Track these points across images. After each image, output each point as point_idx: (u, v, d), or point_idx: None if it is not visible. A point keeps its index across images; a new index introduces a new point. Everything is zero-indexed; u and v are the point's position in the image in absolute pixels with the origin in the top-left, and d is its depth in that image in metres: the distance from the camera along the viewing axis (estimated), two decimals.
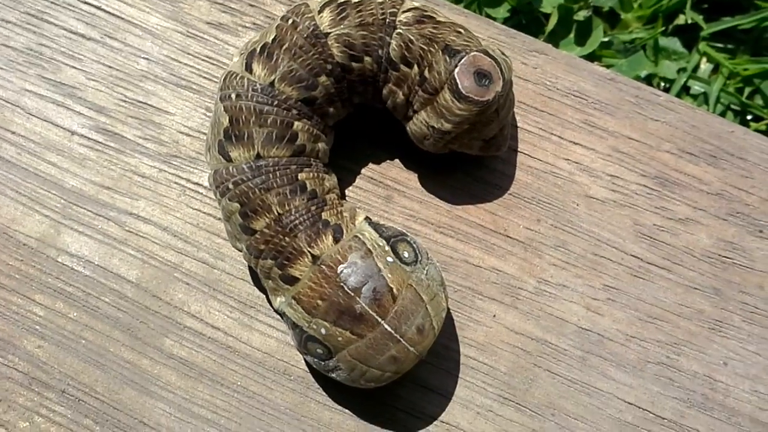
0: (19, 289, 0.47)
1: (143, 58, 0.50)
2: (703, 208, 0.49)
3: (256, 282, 0.47)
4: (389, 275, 0.40)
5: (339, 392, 0.46)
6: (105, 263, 0.47)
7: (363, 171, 0.49)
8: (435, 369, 0.46)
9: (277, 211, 0.41)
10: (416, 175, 0.49)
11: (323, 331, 0.40)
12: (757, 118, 0.70)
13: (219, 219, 0.48)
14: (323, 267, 0.40)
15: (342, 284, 0.40)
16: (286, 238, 0.41)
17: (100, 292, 0.47)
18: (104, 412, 0.45)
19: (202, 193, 0.48)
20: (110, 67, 0.50)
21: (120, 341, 0.46)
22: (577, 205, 0.48)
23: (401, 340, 0.40)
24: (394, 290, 0.40)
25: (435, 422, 0.46)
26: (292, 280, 0.41)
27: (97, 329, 0.46)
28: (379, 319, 0.40)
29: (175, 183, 0.48)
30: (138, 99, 0.49)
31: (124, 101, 0.49)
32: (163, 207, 0.48)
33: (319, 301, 0.40)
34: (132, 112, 0.49)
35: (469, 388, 0.46)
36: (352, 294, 0.40)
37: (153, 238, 0.47)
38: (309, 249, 0.41)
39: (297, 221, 0.41)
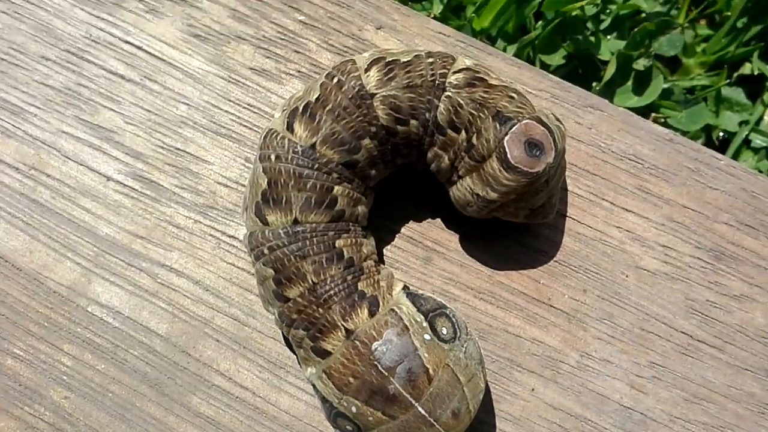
0: (48, 337, 0.46)
1: (183, 103, 0.48)
2: (759, 285, 0.46)
3: (288, 342, 0.46)
4: (426, 355, 0.39)
5: None
6: (135, 315, 0.46)
7: (403, 230, 0.47)
8: None
9: (312, 281, 0.40)
10: (457, 237, 0.47)
11: (354, 409, 0.39)
12: None
13: (252, 275, 0.46)
14: (357, 343, 0.39)
15: (376, 363, 0.38)
16: (320, 309, 0.40)
17: (129, 345, 0.46)
18: None
19: (236, 247, 0.47)
20: (149, 111, 0.48)
21: (147, 396, 0.45)
22: (627, 276, 0.46)
23: (435, 424, 0.38)
24: (431, 371, 0.38)
25: None
26: (324, 354, 0.40)
27: (124, 383, 0.45)
28: (413, 402, 0.38)
29: (210, 235, 0.47)
30: (176, 146, 0.48)
31: (162, 147, 0.48)
32: (196, 260, 0.47)
33: (351, 379, 0.39)
34: (169, 159, 0.48)
35: None
36: (386, 374, 0.38)
37: (185, 291, 0.46)
38: (343, 323, 0.39)
39: (332, 291, 0.40)
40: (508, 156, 0.40)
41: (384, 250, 0.47)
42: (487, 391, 0.45)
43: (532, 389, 0.45)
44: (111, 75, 0.49)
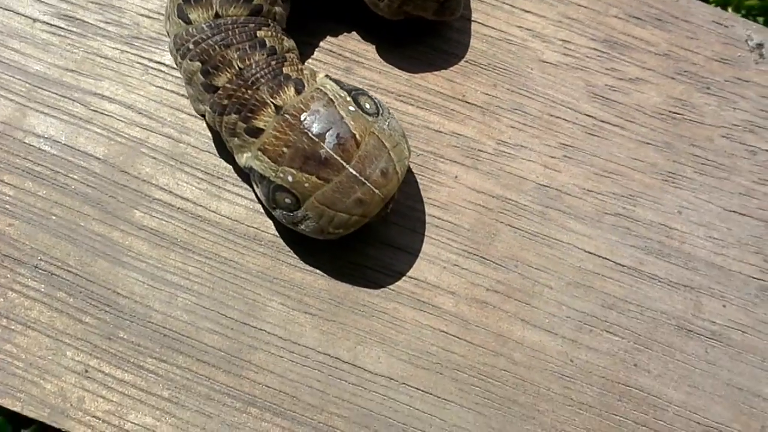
0: None
1: None
2: (651, 68, 0.51)
3: (222, 153, 0.48)
4: (352, 122, 0.42)
5: (310, 254, 0.47)
6: (72, 142, 0.48)
7: (321, 44, 0.50)
8: (401, 229, 0.48)
9: (238, 66, 0.42)
10: (374, 46, 0.50)
11: (290, 178, 0.41)
12: None
13: (182, 95, 0.49)
14: (287, 116, 0.41)
15: (306, 131, 0.41)
16: (249, 91, 0.42)
17: (68, 170, 0.47)
18: (77, 285, 0.46)
19: (164, 72, 0.49)
20: None
21: (90, 215, 0.47)
22: (531, 69, 0.50)
23: (366, 182, 0.41)
24: (357, 136, 0.41)
25: (403, 278, 0.47)
26: (257, 132, 0.42)
27: (66, 205, 0.47)
28: (344, 163, 0.41)
29: (138, 63, 0.49)
30: None
31: None
32: (126, 86, 0.49)
33: (285, 149, 0.41)
34: None
35: (435, 245, 0.48)
36: (317, 140, 0.41)
37: (118, 116, 0.48)
38: (272, 100, 0.42)
39: (258, 74, 0.42)
40: None
41: (305, 63, 0.49)
42: (415, 181, 0.48)
43: (456, 177, 0.48)
44: None
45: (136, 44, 0.49)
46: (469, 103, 0.49)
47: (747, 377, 0.47)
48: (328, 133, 0.41)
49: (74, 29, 0.49)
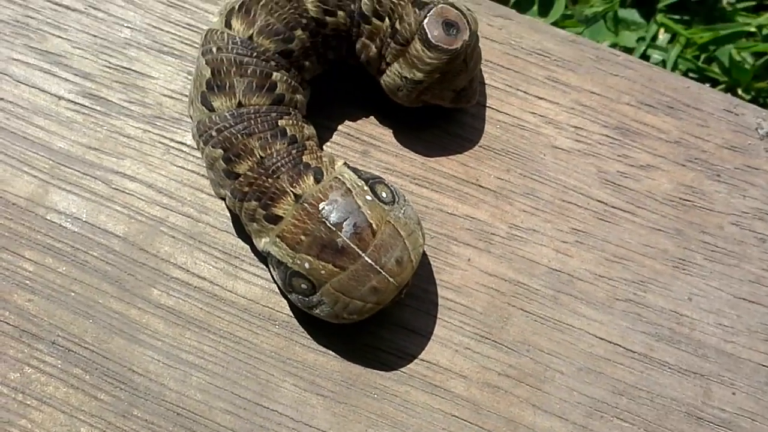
0: (9, 246, 0.48)
1: (126, 27, 0.52)
2: (662, 155, 0.51)
3: (240, 234, 0.49)
4: (369, 212, 0.42)
5: (323, 335, 0.47)
6: (92, 219, 0.49)
7: (339, 128, 0.51)
8: (414, 311, 0.48)
9: (260, 155, 0.43)
10: (391, 131, 0.51)
11: (307, 265, 0.42)
12: (714, 83, 0.73)
13: (202, 175, 0.50)
14: (306, 205, 0.42)
15: (324, 220, 0.42)
16: (269, 180, 0.43)
17: (88, 247, 0.48)
18: (93, 361, 0.47)
19: (185, 152, 0.50)
20: (95, 35, 0.52)
21: (108, 293, 0.48)
22: (544, 155, 0.51)
23: (381, 271, 0.42)
24: (374, 225, 0.42)
25: (416, 360, 0.47)
26: (276, 219, 0.43)
27: (85, 282, 0.48)
28: (360, 252, 0.42)
29: (160, 143, 0.50)
30: (122, 65, 0.51)
31: (109, 67, 0.51)
32: (148, 165, 0.50)
33: (303, 237, 0.42)
34: (116, 77, 0.51)
35: (447, 328, 0.48)
36: (334, 229, 0.42)
37: (139, 194, 0.49)
38: (292, 189, 0.43)
39: (279, 163, 0.43)
40: (429, 36, 0.45)
41: (324, 147, 0.50)
42: (429, 264, 0.49)
43: (469, 259, 0.49)
44: (56, 6, 0.52)
45: (159, 124, 0.50)
46: (482, 187, 0.50)
47: None
48: (345, 222, 0.42)
49: (98, 108, 0.50)
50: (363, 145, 0.51)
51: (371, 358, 0.47)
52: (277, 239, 0.43)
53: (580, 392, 0.47)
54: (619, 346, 0.48)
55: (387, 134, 0.51)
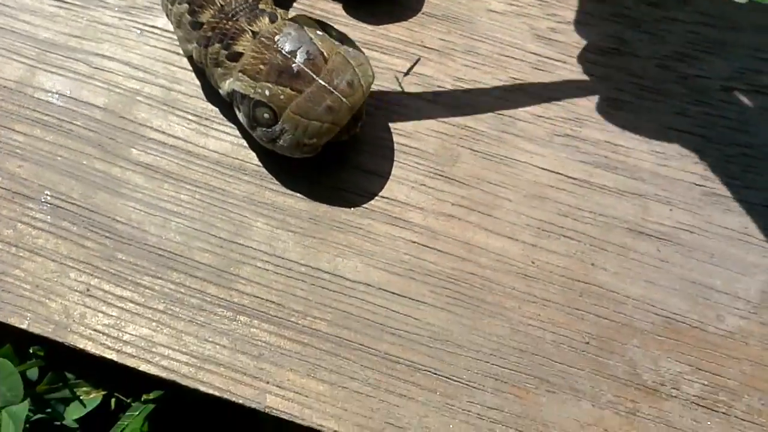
0: (1, 122, 0.53)
1: None
2: (589, 12, 0.57)
3: (210, 98, 0.54)
4: (320, 43, 0.48)
5: (290, 180, 0.52)
6: (76, 95, 0.54)
7: (294, 5, 0.57)
8: (372, 155, 0.53)
9: (220, 3, 0.49)
10: (341, 5, 0.57)
11: (267, 92, 0.47)
12: None
13: (174, 52, 0.55)
14: (263, 38, 0.48)
15: (280, 49, 0.47)
16: (229, 23, 0.48)
17: (72, 118, 0.53)
18: (80, 215, 0.51)
19: (157, 34, 0.56)
20: None
21: (92, 155, 0.52)
22: (481, 17, 0.57)
23: (334, 91, 0.47)
24: (325, 54, 0.47)
25: (376, 197, 0.52)
26: (237, 56, 0.48)
27: (71, 147, 0.52)
28: (314, 75, 0.47)
29: (134, 27, 0.56)
30: None
31: None
32: (124, 47, 0.55)
33: (261, 66, 0.47)
34: None
35: (403, 168, 0.53)
36: (289, 56, 0.47)
37: (117, 71, 0.54)
38: (249, 27, 0.48)
39: (238, 8, 0.49)
40: None
41: None
42: (383, 115, 0.54)
43: (419, 109, 0.54)
44: None
45: (132, 12, 0.56)
46: (427, 47, 0.56)
47: (699, 272, 0.50)
48: (299, 51, 0.47)
49: (78, 2, 0.56)
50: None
51: (335, 198, 0.52)
52: (240, 74, 0.48)
53: (528, 215, 0.52)
54: (561, 174, 0.53)
55: (337, 8, 0.57)
